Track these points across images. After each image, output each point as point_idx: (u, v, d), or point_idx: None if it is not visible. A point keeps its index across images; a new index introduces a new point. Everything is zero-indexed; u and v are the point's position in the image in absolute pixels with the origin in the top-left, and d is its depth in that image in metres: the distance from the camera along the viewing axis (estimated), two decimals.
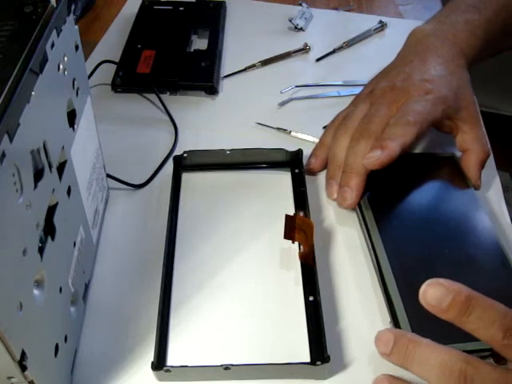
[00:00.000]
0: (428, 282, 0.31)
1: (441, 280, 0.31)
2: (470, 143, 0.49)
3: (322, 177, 0.52)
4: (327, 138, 0.53)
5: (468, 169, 0.49)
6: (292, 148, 0.52)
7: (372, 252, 0.44)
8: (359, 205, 0.47)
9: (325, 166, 0.52)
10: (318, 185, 0.51)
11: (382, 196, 0.48)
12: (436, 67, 0.50)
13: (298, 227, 0.44)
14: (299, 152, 0.52)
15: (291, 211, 0.47)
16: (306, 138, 0.55)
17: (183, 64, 0.63)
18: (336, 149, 0.50)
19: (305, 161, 0.52)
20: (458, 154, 0.51)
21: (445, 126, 0.50)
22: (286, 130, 0.56)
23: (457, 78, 0.50)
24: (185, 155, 0.51)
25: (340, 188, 0.48)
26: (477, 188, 0.49)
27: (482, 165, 0.49)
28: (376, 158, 0.45)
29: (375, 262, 0.43)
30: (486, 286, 0.42)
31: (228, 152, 0.51)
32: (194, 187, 0.51)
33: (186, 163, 0.52)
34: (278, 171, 0.52)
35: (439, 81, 0.49)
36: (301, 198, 0.49)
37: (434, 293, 0.31)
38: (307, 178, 0.50)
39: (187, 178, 0.52)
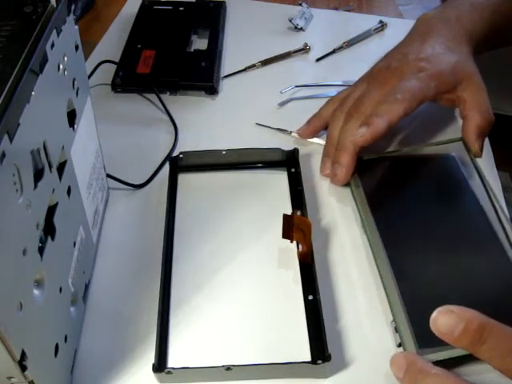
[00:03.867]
0: (439, 309, 0.31)
1: (452, 307, 0.30)
2: (468, 109, 0.50)
3: (318, 176, 0.52)
4: (325, 110, 0.55)
5: (466, 136, 0.49)
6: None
7: (372, 250, 0.44)
8: (359, 204, 0.48)
9: (313, 135, 0.55)
10: (315, 184, 0.51)
11: (382, 196, 0.48)
12: (434, 46, 0.51)
13: (296, 226, 0.44)
14: (295, 151, 0.52)
15: (288, 211, 0.47)
16: (309, 139, 0.55)
17: (183, 64, 0.63)
18: (332, 128, 0.52)
19: (301, 160, 0.52)
20: (458, 153, 0.51)
21: (444, 99, 0.51)
22: (286, 130, 0.56)
23: (456, 54, 0.50)
24: (181, 156, 0.51)
25: (332, 165, 0.50)
26: (477, 156, 0.49)
27: (482, 131, 0.49)
28: (361, 134, 0.47)
29: (375, 261, 0.44)
30: (488, 285, 0.42)
31: (224, 152, 0.51)
32: (190, 188, 0.51)
33: (182, 164, 0.52)
34: (275, 171, 0.52)
35: (435, 58, 0.50)
36: (298, 197, 0.49)
37: (445, 321, 0.30)
38: (304, 177, 0.50)
39: (184, 178, 0.52)
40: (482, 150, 0.49)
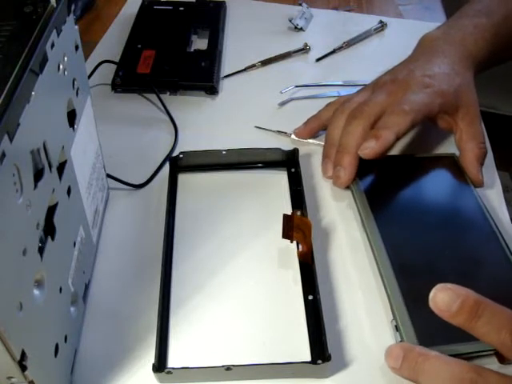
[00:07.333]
0: (437, 286, 0.32)
1: (449, 285, 0.32)
2: (466, 141, 0.50)
3: (318, 176, 0.52)
4: (324, 113, 0.55)
5: (466, 167, 0.50)
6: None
7: (372, 250, 0.44)
8: (359, 204, 0.48)
9: (310, 135, 0.55)
10: (315, 184, 0.51)
11: (383, 196, 0.48)
12: (440, 65, 0.51)
13: (296, 226, 0.44)
14: (295, 151, 0.52)
15: (288, 211, 0.47)
16: (305, 139, 0.55)
17: (183, 64, 0.63)
18: (332, 129, 0.51)
19: (301, 160, 0.52)
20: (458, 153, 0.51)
21: (443, 121, 0.51)
22: (285, 132, 0.56)
23: (460, 77, 0.51)
24: (181, 156, 0.51)
25: (334, 167, 0.50)
26: (479, 185, 0.49)
27: (480, 162, 0.50)
28: (371, 148, 0.47)
29: (375, 260, 0.44)
30: (488, 285, 0.42)
31: (224, 152, 0.51)
32: (190, 188, 0.51)
33: (182, 164, 0.52)
34: (275, 171, 0.52)
35: (440, 77, 0.50)
36: (298, 197, 0.49)
37: (443, 297, 0.31)
38: (304, 177, 0.50)
39: (184, 178, 0.52)
40: (483, 180, 0.50)
